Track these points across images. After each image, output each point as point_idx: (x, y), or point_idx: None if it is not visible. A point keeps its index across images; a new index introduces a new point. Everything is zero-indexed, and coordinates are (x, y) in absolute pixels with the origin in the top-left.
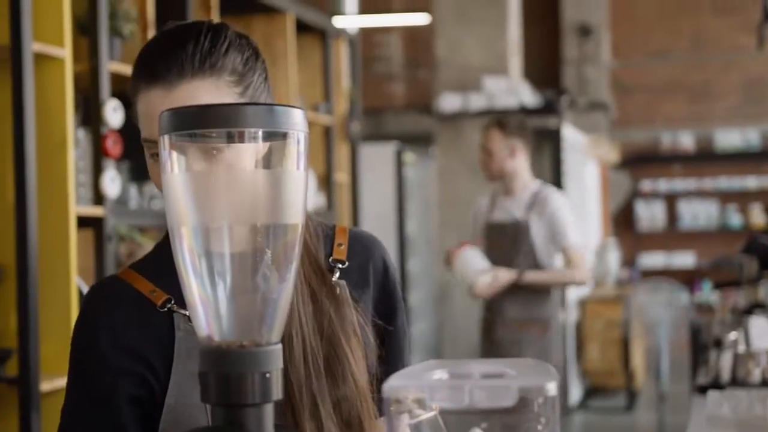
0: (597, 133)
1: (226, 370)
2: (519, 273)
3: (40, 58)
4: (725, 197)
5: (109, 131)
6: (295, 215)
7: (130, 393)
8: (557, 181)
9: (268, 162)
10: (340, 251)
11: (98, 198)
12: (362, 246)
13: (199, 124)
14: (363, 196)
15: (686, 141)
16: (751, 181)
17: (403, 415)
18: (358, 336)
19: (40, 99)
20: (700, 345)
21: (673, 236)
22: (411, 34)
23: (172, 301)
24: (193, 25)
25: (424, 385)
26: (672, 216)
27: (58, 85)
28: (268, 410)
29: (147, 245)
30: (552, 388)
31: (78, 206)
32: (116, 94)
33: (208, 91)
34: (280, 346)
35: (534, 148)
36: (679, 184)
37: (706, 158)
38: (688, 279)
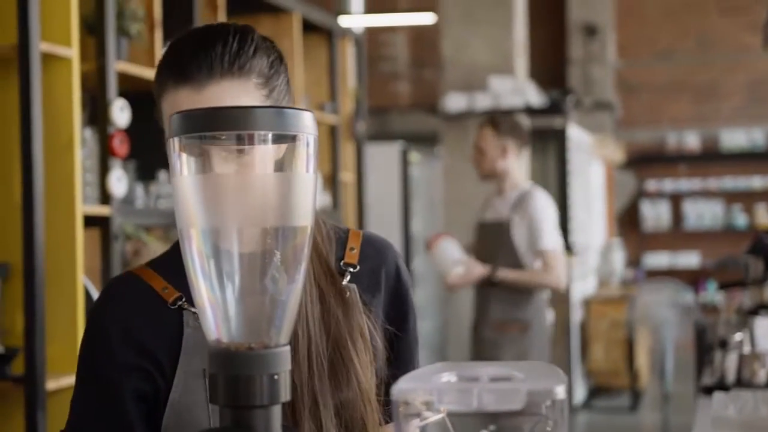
0: (602, 132)
1: (235, 372)
2: (492, 270)
3: (47, 58)
4: (730, 197)
5: (116, 131)
6: (304, 217)
7: (137, 388)
8: (562, 180)
9: (277, 164)
10: (352, 255)
11: (105, 197)
12: (375, 250)
13: (208, 127)
14: (368, 196)
15: (692, 141)
16: (757, 181)
17: (413, 417)
18: (365, 340)
19: (47, 98)
20: (705, 345)
21: (678, 236)
22: (417, 33)
23: (183, 299)
24: (219, 27)
25: (432, 387)
26: (677, 216)
27: (65, 84)
28: (276, 412)
29: (153, 244)
30: (560, 391)
31: (84, 205)
32: (123, 93)
33: (236, 92)
34: (288, 347)
35: (539, 148)
36: (685, 184)
37: (712, 158)
38: (693, 279)
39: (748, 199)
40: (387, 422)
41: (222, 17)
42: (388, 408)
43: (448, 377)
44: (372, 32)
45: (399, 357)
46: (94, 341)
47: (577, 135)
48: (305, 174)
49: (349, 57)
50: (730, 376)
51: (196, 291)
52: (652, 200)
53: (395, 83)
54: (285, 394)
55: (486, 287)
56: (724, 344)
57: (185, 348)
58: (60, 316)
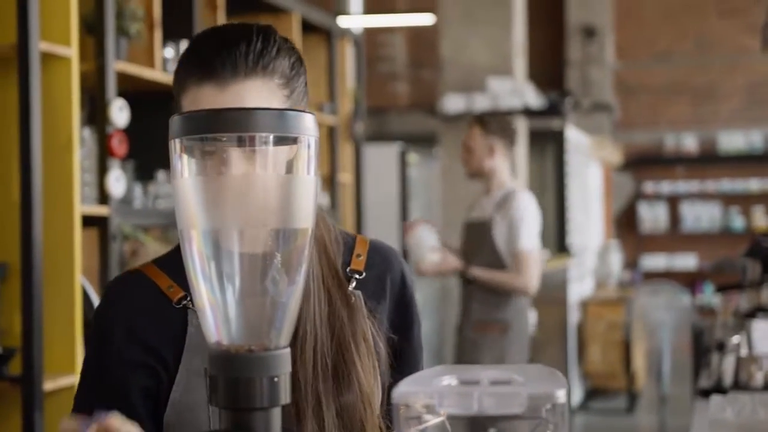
0: (600, 134)
1: (235, 374)
2: (465, 266)
3: (46, 58)
4: (728, 199)
5: (115, 131)
6: (305, 219)
7: (144, 386)
8: (560, 182)
9: (278, 166)
10: (358, 262)
11: (103, 197)
12: (382, 258)
13: (210, 129)
14: (366, 197)
15: (689, 143)
16: (754, 184)
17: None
18: (369, 345)
19: (46, 98)
20: (703, 348)
21: (675, 238)
22: (415, 34)
23: (188, 298)
24: (242, 26)
25: (433, 391)
26: (674, 218)
27: (64, 84)
28: (276, 414)
29: (151, 245)
30: (561, 395)
31: (83, 205)
32: (122, 93)
33: (259, 91)
34: (288, 350)
35: (537, 150)
36: (682, 186)
37: (709, 160)
38: (690, 281)
39: (746, 201)
40: (389, 427)
41: (221, 17)
42: (390, 414)
43: (449, 380)
44: (370, 33)
45: (403, 364)
46: (100, 339)
47: (575, 136)
48: (306, 176)
49: (347, 57)
50: (728, 379)
51: (196, 292)
52: (649, 202)
53: (394, 84)
54: (285, 397)
55: (469, 287)
56: (721, 347)
57: (188, 346)
58: (58, 316)
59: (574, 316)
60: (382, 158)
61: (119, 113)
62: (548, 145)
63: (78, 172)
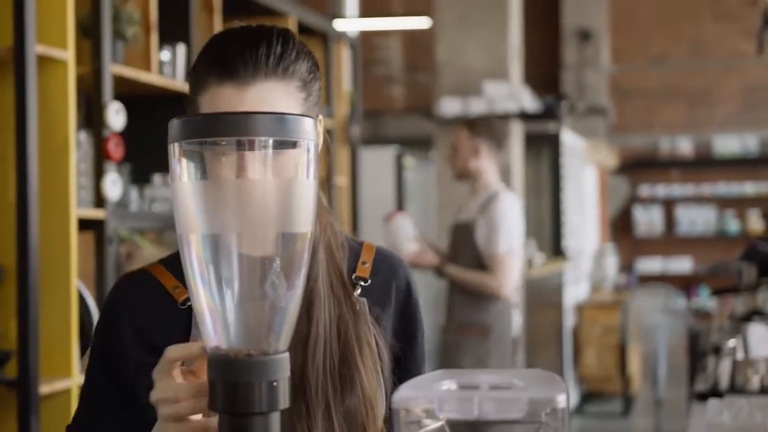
0: (596, 137)
1: (234, 379)
2: (442, 262)
3: (43, 61)
4: (723, 203)
5: (111, 134)
6: (304, 224)
7: (150, 385)
8: (556, 185)
9: (277, 170)
10: (364, 269)
11: (99, 200)
12: (388, 265)
13: (209, 133)
14: (362, 200)
15: (685, 146)
16: (749, 187)
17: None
18: (372, 350)
19: (42, 101)
20: (698, 351)
21: (670, 242)
22: (411, 37)
23: None
24: (262, 28)
25: (433, 396)
26: (670, 221)
27: (60, 87)
28: (275, 419)
29: (147, 248)
30: (561, 399)
31: (79, 209)
32: (118, 96)
33: (279, 93)
34: (287, 354)
35: (533, 153)
36: (677, 189)
37: (705, 164)
38: (685, 285)
39: (741, 205)
40: None
41: (218, 20)
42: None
43: (448, 385)
44: (366, 36)
45: (405, 372)
46: (106, 338)
47: (570, 140)
48: (305, 180)
49: (344, 61)
50: (724, 383)
51: (195, 297)
52: (644, 205)
53: (389, 87)
54: (284, 401)
55: (452, 289)
56: (717, 350)
57: None
58: (54, 319)
59: (569, 320)
60: (378, 161)
61: (115, 116)
62: (544, 149)
63: (74, 175)
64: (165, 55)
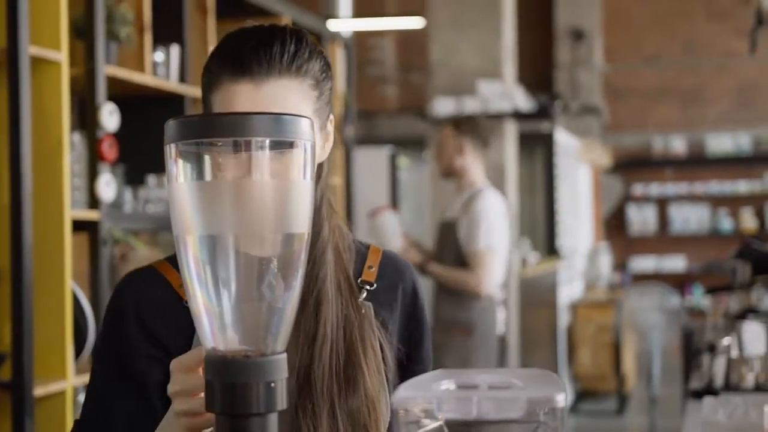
0: (589, 137)
1: (231, 380)
2: (425, 260)
3: (36, 62)
4: (716, 201)
5: (105, 135)
6: (301, 224)
7: (158, 379)
8: (550, 184)
9: (274, 171)
10: (370, 273)
11: (93, 202)
12: (394, 269)
13: (205, 133)
14: (357, 200)
15: (678, 145)
16: (742, 186)
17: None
18: (376, 352)
19: (36, 102)
20: (692, 349)
21: (664, 240)
22: (404, 37)
23: None
24: (275, 28)
25: (432, 396)
26: (663, 220)
27: (54, 88)
28: (273, 420)
29: (141, 249)
30: (560, 399)
31: (73, 210)
32: (112, 97)
33: (294, 91)
34: (285, 355)
35: (527, 153)
36: (671, 188)
37: (698, 162)
38: (679, 283)
39: (734, 203)
40: None
41: (211, 21)
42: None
43: (447, 385)
44: (360, 36)
45: (412, 376)
46: (113, 333)
47: (564, 139)
48: (302, 180)
49: (337, 61)
50: (719, 381)
51: (192, 298)
52: (638, 204)
53: (383, 87)
54: (282, 402)
55: (437, 287)
56: (712, 348)
57: (194, 345)
58: (48, 321)
59: (563, 319)
60: (372, 161)
61: (109, 117)
62: (538, 148)
63: (68, 176)
64: (159, 56)
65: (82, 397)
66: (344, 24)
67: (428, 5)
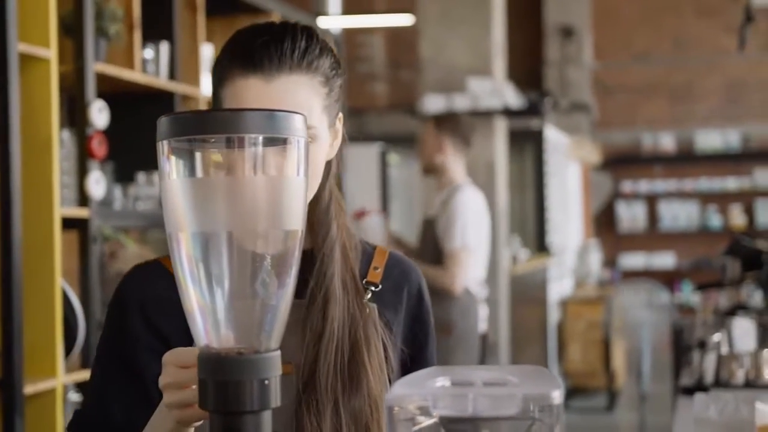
0: (579, 134)
1: (225, 378)
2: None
3: (25, 59)
4: (705, 198)
5: (95, 132)
6: (295, 221)
7: (158, 373)
8: (539, 181)
9: (267, 168)
10: (375, 274)
11: (83, 199)
12: (400, 270)
13: (198, 130)
14: (347, 197)
15: (667, 142)
16: (731, 183)
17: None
18: (379, 353)
19: (25, 100)
20: (682, 346)
21: (653, 237)
22: (393, 34)
23: None
24: (285, 24)
25: (427, 393)
26: (652, 217)
27: (43, 85)
28: (267, 417)
29: (131, 246)
30: (556, 395)
31: (62, 207)
32: (102, 94)
33: (303, 87)
34: (278, 352)
35: (517, 150)
36: (660, 185)
37: (687, 159)
38: (668, 280)
39: (723, 200)
40: None
41: (201, 18)
42: None
43: (442, 382)
44: (349, 33)
45: None
46: (117, 326)
47: (554, 136)
48: (296, 177)
49: None
50: (709, 377)
51: (185, 295)
52: (627, 201)
53: (372, 84)
54: (275, 400)
55: None
56: (702, 345)
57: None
58: (38, 319)
59: (553, 316)
60: (362, 159)
61: (99, 115)
62: (527, 145)
63: (57, 174)
64: (148, 53)
65: (72, 396)
66: (333, 21)
67: (417, 2)
